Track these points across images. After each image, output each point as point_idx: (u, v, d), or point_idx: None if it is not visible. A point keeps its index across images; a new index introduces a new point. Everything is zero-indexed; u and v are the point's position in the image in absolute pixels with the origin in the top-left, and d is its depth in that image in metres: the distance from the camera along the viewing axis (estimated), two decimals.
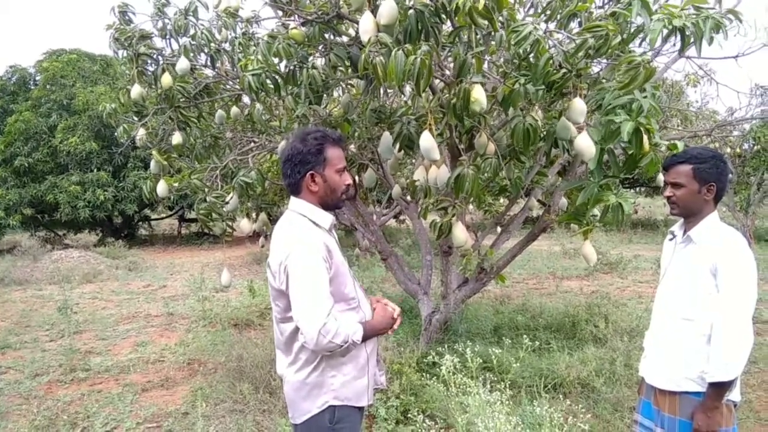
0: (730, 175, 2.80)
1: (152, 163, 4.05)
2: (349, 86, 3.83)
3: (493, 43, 2.75)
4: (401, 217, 12.58)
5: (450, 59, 3.34)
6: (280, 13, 3.41)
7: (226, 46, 3.66)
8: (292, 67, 3.03)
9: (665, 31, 2.41)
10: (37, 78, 13.93)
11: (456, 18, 2.52)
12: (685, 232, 2.00)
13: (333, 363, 1.73)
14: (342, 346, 1.63)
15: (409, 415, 3.19)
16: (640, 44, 2.86)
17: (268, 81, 3.01)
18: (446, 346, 3.26)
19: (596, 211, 3.03)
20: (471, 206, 4.67)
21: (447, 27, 3.02)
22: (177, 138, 3.83)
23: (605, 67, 2.94)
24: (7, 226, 11.97)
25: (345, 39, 3.20)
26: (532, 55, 2.46)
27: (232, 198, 3.65)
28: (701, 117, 8.19)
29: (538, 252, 10.75)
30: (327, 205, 1.81)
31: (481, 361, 2.76)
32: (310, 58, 3.06)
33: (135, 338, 5.60)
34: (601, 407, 3.45)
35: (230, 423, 3.43)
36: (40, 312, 6.90)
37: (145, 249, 14.31)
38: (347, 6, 2.99)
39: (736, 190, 9.95)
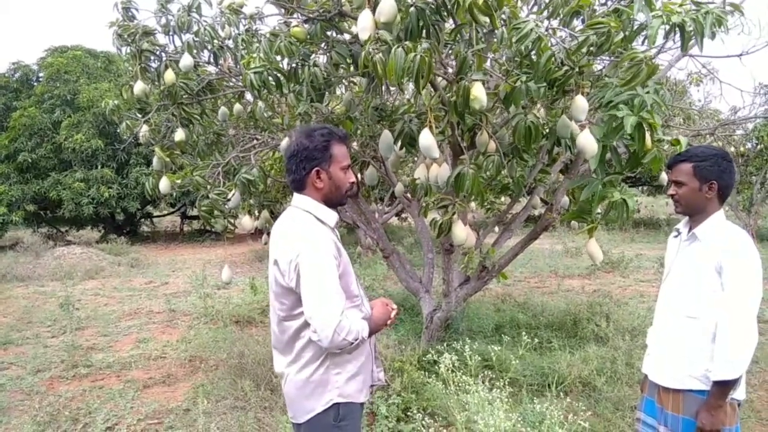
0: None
1: (155, 160, 4.06)
2: (351, 84, 3.83)
3: (494, 40, 2.74)
4: (403, 215, 12.56)
5: (452, 57, 3.34)
6: (283, 10, 3.41)
7: (229, 43, 3.67)
8: (294, 65, 3.03)
9: (665, 29, 2.39)
10: (40, 75, 13.91)
11: (456, 14, 2.52)
12: (690, 229, 2.00)
13: (338, 360, 1.73)
14: (353, 343, 1.63)
15: (409, 413, 3.20)
16: (643, 42, 2.85)
17: (270, 79, 3.01)
18: (446, 344, 3.26)
19: (599, 209, 3.01)
20: (473, 204, 4.66)
21: (450, 25, 3.01)
22: (180, 135, 3.84)
23: (608, 64, 2.93)
24: (10, 222, 11.97)
25: (347, 37, 3.20)
26: (533, 52, 2.45)
27: (234, 195, 3.66)
28: (704, 116, 8.16)
29: (539, 250, 10.73)
30: (331, 202, 1.80)
31: (480, 359, 2.76)
32: (312, 56, 3.06)
33: (137, 335, 5.61)
34: (602, 406, 3.45)
35: (231, 420, 3.44)
36: (43, 308, 6.92)
37: (147, 246, 14.33)
38: (349, 4, 2.98)
39: (738, 189, 9.93)
